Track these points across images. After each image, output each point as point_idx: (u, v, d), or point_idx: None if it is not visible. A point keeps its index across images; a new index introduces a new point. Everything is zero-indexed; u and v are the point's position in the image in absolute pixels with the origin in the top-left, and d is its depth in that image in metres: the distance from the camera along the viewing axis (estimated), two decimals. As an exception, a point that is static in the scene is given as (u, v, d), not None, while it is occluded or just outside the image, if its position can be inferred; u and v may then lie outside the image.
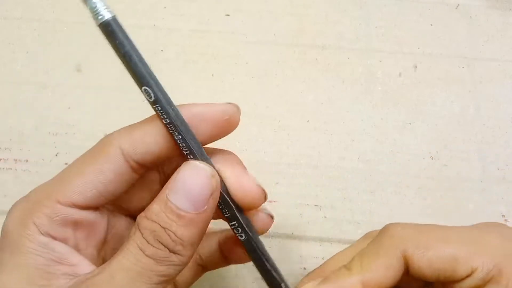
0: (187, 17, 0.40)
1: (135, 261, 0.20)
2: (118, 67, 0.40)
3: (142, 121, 0.24)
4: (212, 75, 0.38)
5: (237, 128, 0.36)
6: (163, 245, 0.21)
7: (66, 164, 0.29)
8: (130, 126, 0.24)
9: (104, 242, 0.24)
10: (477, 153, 0.35)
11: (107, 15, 0.23)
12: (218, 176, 0.22)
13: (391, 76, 0.38)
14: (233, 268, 0.32)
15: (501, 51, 0.39)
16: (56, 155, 0.35)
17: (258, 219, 0.25)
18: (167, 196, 0.21)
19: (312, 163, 0.35)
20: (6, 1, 0.41)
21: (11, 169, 0.34)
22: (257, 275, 0.32)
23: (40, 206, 0.22)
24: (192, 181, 0.21)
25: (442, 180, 0.35)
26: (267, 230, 0.26)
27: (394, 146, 0.36)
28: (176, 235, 0.21)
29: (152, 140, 0.22)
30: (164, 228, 0.21)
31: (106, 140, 0.23)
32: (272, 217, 0.26)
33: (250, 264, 0.32)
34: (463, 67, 0.39)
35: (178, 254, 0.21)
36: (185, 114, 0.22)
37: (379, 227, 0.33)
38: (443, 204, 0.31)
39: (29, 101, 0.37)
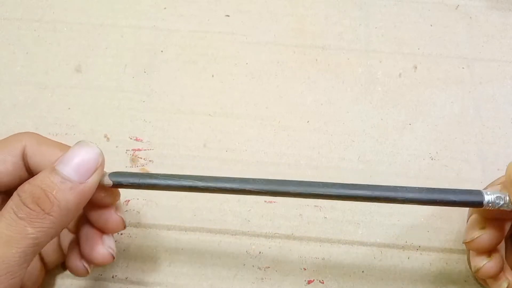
0: (187, 17, 0.40)
1: (7, 226, 0.22)
2: (118, 68, 0.41)
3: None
4: (212, 75, 0.38)
5: (237, 129, 0.37)
6: (39, 206, 0.22)
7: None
8: (40, 135, 0.27)
9: None
10: (477, 153, 0.35)
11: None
12: (104, 157, 0.25)
13: (391, 77, 0.38)
14: (233, 268, 0.32)
15: (501, 51, 0.39)
16: (56, 155, 0.35)
17: (110, 219, 0.27)
18: (54, 167, 0.23)
19: (312, 163, 0.35)
20: (6, 2, 0.41)
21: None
22: (257, 275, 0.32)
23: None
24: (80, 154, 0.24)
25: (442, 181, 0.35)
26: (119, 230, 0.28)
27: (394, 147, 0.36)
28: (55, 197, 0.22)
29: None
30: (45, 190, 0.22)
31: (14, 136, 0.26)
32: (124, 225, 0.28)
33: (251, 264, 0.32)
34: (463, 68, 0.39)
35: (52, 216, 0.22)
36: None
37: (380, 228, 0.33)
38: (443, 205, 0.31)
39: (29, 101, 0.37)
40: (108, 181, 0.26)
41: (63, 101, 0.37)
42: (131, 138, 0.36)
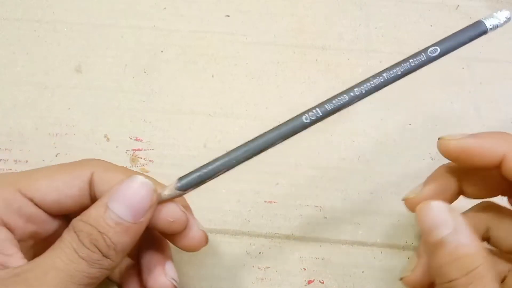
0: (187, 18, 0.41)
1: (68, 261, 0.21)
2: (118, 68, 0.41)
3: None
4: (212, 76, 0.38)
5: (237, 129, 0.37)
6: (98, 248, 0.22)
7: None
8: (108, 162, 0.26)
9: (44, 239, 0.25)
10: (477, 153, 0.35)
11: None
12: (158, 192, 0.24)
13: (391, 77, 0.38)
14: (233, 268, 0.32)
15: (501, 51, 0.39)
16: (56, 155, 0.35)
17: (191, 235, 0.26)
18: (107, 204, 0.22)
19: (313, 163, 0.35)
20: (6, 2, 0.41)
21: (11, 169, 0.34)
22: (257, 275, 0.32)
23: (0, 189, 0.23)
24: (134, 192, 0.22)
25: (442, 181, 0.35)
26: (203, 246, 0.27)
27: (394, 147, 0.36)
28: (111, 241, 0.22)
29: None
30: (101, 232, 0.22)
31: (83, 162, 0.25)
32: (207, 239, 0.27)
33: (251, 265, 0.32)
34: (463, 68, 0.39)
35: (110, 259, 0.22)
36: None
37: (380, 228, 0.33)
38: (443, 205, 0.31)
39: (29, 101, 0.37)
40: (174, 192, 0.24)
41: (63, 101, 0.37)
42: (131, 138, 0.36)
